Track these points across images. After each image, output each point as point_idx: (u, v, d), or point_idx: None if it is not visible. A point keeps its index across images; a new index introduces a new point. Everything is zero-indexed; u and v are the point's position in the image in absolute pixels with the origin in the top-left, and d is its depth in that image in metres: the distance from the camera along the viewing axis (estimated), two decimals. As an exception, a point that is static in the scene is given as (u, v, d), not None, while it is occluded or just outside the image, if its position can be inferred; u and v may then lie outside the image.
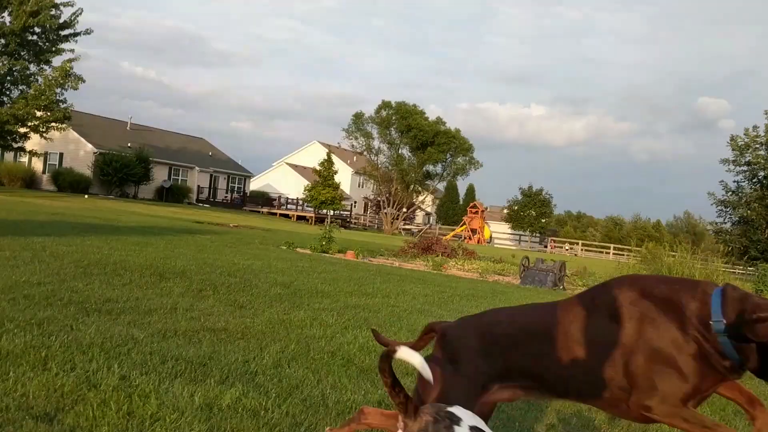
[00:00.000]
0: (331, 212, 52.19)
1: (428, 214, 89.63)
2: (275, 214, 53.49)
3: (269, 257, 12.13)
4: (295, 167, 69.59)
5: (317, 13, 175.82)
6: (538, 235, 58.95)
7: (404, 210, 55.03)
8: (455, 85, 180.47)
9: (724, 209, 29.16)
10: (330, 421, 3.05)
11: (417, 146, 50.80)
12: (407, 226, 61.22)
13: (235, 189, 58.72)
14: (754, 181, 28.19)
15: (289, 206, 56.75)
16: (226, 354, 4.10)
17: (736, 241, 28.04)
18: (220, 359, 3.94)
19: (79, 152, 45.46)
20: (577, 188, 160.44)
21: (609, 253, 53.73)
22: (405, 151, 52.63)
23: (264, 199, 57.34)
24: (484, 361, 2.13)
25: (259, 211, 53.15)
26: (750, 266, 21.23)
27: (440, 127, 51.40)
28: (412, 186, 54.48)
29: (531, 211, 55.65)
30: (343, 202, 53.33)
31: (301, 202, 53.13)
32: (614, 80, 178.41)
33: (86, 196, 37.99)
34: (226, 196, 56.81)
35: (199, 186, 54.10)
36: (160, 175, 49.11)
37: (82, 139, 45.66)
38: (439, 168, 54.79)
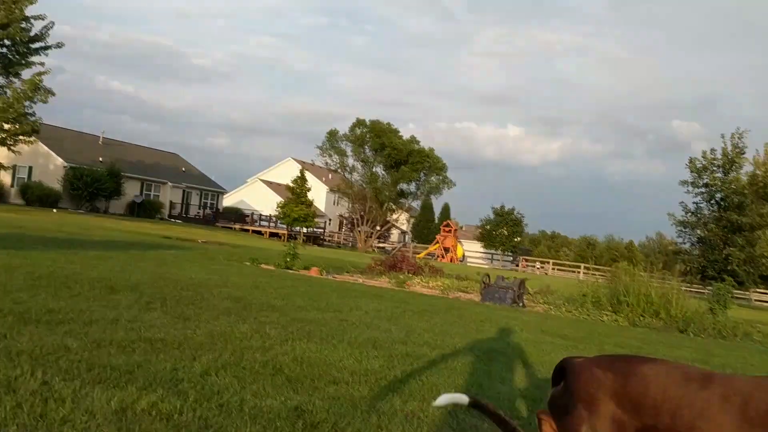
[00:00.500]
0: (305, 229, 52.17)
1: (404, 232, 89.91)
2: (248, 230, 53.31)
3: (229, 273, 12.20)
4: (269, 184, 69.50)
5: (297, 30, 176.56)
6: (510, 254, 59.41)
7: (378, 228, 55.18)
8: (434, 104, 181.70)
9: (684, 230, 29.89)
10: (241, 424, 3.18)
11: (391, 164, 51.12)
12: (381, 244, 61.37)
13: (208, 205, 58.49)
14: (711, 202, 28.99)
15: (262, 223, 56.61)
16: (157, 363, 4.20)
17: (694, 261, 28.71)
18: (149, 367, 4.04)
19: (49, 166, 45.04)
20: (552, 208, 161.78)
21: (579, 272, 54.32)
22: (379, 170, 52.98)
23: (237, 216, 57.15)
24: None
25: (231, 228, 52.95)
26: (708, 285, 21.67)
27: (414, 146, 51.82)
28: (386, 204, 54.73)
29: (503, 230, 56.12)
30: (316, 220, 53.36)
31: (274, 219, 53.06)
32: (589, 102, 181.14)
33: (55, 210, 37.61)
34: (198, 212, 56.53)
35: (171, 201, 53.79)
36: (131, 190, 48.78)
37: (52, 153, 45.26)
38: (413, 186, 55.19)
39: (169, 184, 53.22)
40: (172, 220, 50.81)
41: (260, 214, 58.68)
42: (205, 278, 10.27)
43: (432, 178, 53.75)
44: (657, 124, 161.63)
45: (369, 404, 3.92)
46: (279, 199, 54.75)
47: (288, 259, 16.45)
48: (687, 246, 30.18)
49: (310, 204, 49.40)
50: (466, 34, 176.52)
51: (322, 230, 59.63)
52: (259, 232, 52.81)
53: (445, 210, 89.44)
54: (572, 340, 8.93)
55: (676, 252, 30.97)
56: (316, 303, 8.91)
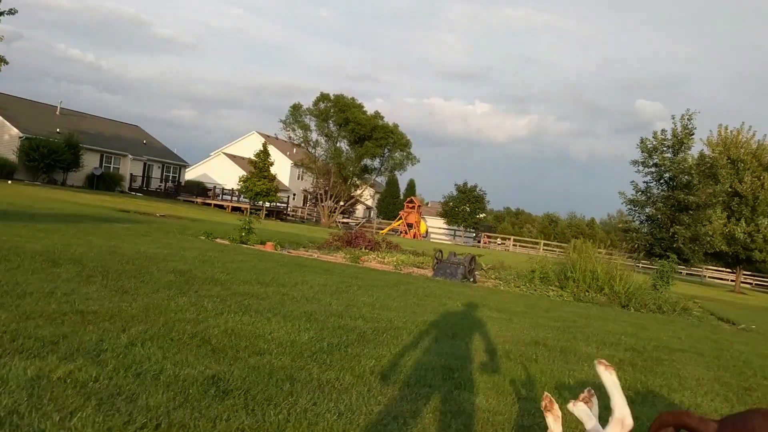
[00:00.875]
0: (268, 204, 52.00)
1: (369, 208, 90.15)
2: (210, 204, 52.95)
3: (180, 246, 12.25)
4: (232, 158, 68.93)
5: (263, 1, 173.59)
6: (472, 230, 60.09)
7: (342, 203, 55.27)
8: (402, 79, 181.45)
9: (633, 208, 30.72)
10: (153, 391, 3.36)
11: (355, 140, 51.08)
12: (345, 220, 61.49)
13: (170, 178, 57.83)
14: (660, 182, 29.81)
15: (224, 197, 56.24)
16: (84, 334, 4.34)
17: (642, 239, 29.59)
18: (75, 338, 4.18)
19: (3, 136, 43.98)
20: (517, 185, 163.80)
21: (539, 248, 55.31)
22: (343, 145, 52.90)
23: (199, 189, 56.68)
24: None
25: (193, 201, 52.53)
26: (655, 262, 22.38)
27: (378, 121, 51.80)
28: (350, 179, 54.77)
29: (465, 207, 56.67)
30: (279, 194, 53.19)
31: (236, 193, 52.74)
32: (556, 80, 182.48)
33: (9, 182, 36.86)
34: (160, 186, 55.89)
35: (132, 174, 53.05)
36: (90, 162, 47.95)
37: (7, 123, 44.19)
38: (377, 162, 55.24)
39: (130, 156, 52.44)
40: (133, 193, 50.18)
41: (223, 188, 58.26)
42: (154, 252, 10.33)
43: (396, 154, 53.90)
44: (621, 103, 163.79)
45: (287, 373, 4.13)
46: (242, 173, 54.41)
47: (243, 234, 16.53)
48: (636, 224, 31.05)
49: (272, 178, 49.21)
50: (436, 9, 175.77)
51: (285, 205, 59.47)
52: (221, 207, 52.49)
53: (411, 186, 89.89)
54: (509, 313, 9.26)
55: (625, 230, 31.82)
56: (262, 277, 9.06)
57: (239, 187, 49.80)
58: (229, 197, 55.66)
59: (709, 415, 4.69)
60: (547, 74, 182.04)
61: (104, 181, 48.08)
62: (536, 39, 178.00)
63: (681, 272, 58.70)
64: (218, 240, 16.22)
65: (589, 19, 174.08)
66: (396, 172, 59.98)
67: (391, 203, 78.14)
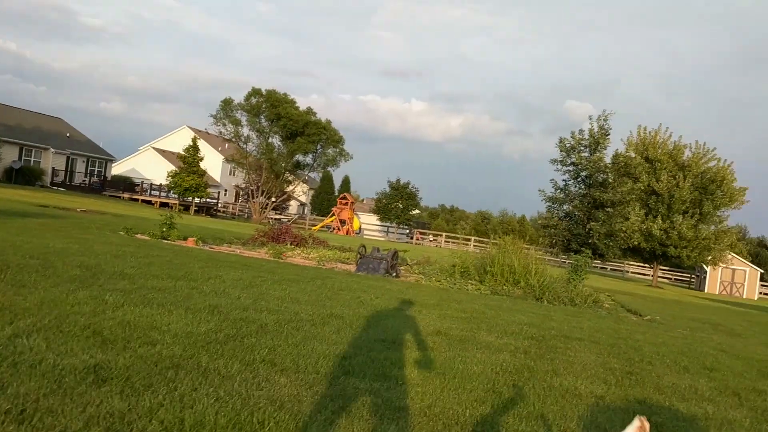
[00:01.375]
0: (197, 200, 51.13)
1: (303, 204, 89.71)
2: (137, 200, 51.66)
3: (94, 242, 12.02)
4: (162, 152, 67.37)
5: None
6: (405, 227, 60.69)
7: (274, 199, 54.84)
8: (339, 76, 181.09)
9: (552, 205, 31.82)
10: (26, 379, 3.38)
11: (287, 135, 50.74)
12: (278, 216, 61.04)
13: (95, 173, 56.08)
14: (578, 180, 31.02)
15: (152, 192, 54.96)
16: (-34, 326, 4.30)
17: (560, 235, 30.72)
18: (-45, 331, 4.14)
19: None
20: (453, 183, 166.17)
21: (470, 244, 56.32)
22: (275, 140, 52.45)
23: (126, 185, 55.21)
24: None
25: (119, 197, 51.14)
26: (571, 258, 23.22)
27: (311, 117, 51.62)
28: (283, 175, 54.39)
29: (398, 204, 57.19)
30: (209, 190, 52.36)
31: (165, 188, 51.62)
32: (491, 81, 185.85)
33: None
34: (84, 180, 54.13)
35: (54, 168, 51.19)
36: (9, 155, 46.01)
37: None
38: (309, 158, 55.05)
39: (52, 149, 50.58)
40: (54, 188, 48.45)
41: (151, 184, 56.92)
42: (64, 247, 10.12)
43: (329, 150, 53.84)
44: (552, 104, 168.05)
45: (173, 362, 4.20)
46: (172, 168, 53.29)
47: (164, 230, 16.29)
48: (555, 220, 32.12)
49: (202, 174, 48.40)
50: (373, 7, 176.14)
51: (215, 201, 58.60)
52: (149, 202, 51.29)
53: (346, 182, 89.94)
54: (420, 306, 9.51)
55: (544, 226, 32.85)
56: (174, 272, 9.02)
57: (168, 183, 48.77)
58: (157, 193, 54.42)
59: (585, 395, 5.03)
60: (482, 74, 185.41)
61: (23, 175, 46.26)
62: (472, 39, 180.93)
63: (606, 268, 61.10)
64: (138, 236, 15.93)
65: (523, 22, 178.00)
66: (329, 168, 59.98)
67: (326, 199, 78.05)
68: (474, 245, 55.00)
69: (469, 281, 16.04)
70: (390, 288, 11.90)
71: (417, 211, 76.34)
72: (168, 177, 48.23)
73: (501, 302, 12.54)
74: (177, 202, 49.70)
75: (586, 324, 10.60)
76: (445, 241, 60.77)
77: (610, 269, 60.95)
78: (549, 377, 5.63)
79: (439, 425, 3.79)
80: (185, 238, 16.60)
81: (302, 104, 57.60)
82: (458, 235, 67.10)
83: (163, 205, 49.82)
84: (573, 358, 6.87)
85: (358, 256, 16.37)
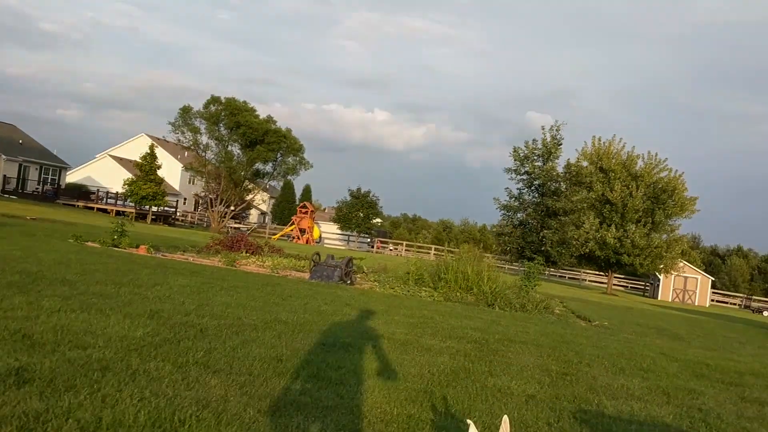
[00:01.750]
0: (155, 208, 50.42)
1: (263, 212, 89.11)
2: (92, 208, 50.68)
3: (40, 249, 11.81)
4: (119, 160, 66.32)
5: (157, 0, 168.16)
6: (365, 235, 60.74)
7: (233, 208, 54.39)
8: (302, 84, 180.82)
9: (507, 213, 32.32)
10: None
11: (246, 144, 50.42)
12: (237, 225, 60.50)
13: (49, 181, 54.88)
14: (531, 188, 31.60)
15: (109, 201, 54.01)
16: None
17: (514, 242, 31.23)
18: None
19: None
20: (415, 192, 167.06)
21: (430, 253, 56.60)
22: (235, 148, 52.09)
23: (81, 193, 54.13)
24: None
25: (74, 205, 50.12)
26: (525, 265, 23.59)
27: (270, 125, 51.39)
28: (242, 184, 54.01)
29: (359, 213, 57.23)
30: (167, 198, 51.68)
31: (122, 196, 50.78)
32: (453, 91, 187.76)
33: None
34: (37, 188, 52.93)
35: (5, 176, 49.96)
36: (-43, 163, 44.79)
37: None
38: (269, 167, 54.76)
39: (3, 157, 49.37)
40: (6, 195, 47.26)
41: (107, 192, 55.94)
42: (5, 254, 9.94)
43: (289, 158, 53.64)
44: (513, 115, 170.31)
45: (103, 364, 4.19)
46: (130, 176, 52.48)
47: (115, 237, 16.06)
48: (509, 228, 32.63)
49: (160, 182, 47.75)
50: (336, 16, 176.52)
51: (173, 209, 57.84)
52: (104, 210, 50.37)
53: (307, 191, 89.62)
54: (369, 311, 9.57)
55: (499, 234, 33.32)
56: (119, 279, 8.93)
57: (124, 191, 48.00)
58: (113, 201, 53.48)
59: (517, 394, 5.16)
60: (444, 85, 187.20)
61: (-27, 183, 45.04)
62: (435, 50, 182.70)
63: (564, 276, 62.03)
64: (89, 243, 15.68)
65: (485, 34, 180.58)
66: (289, 177, 59.74)
67: (287, 208, 77.64)
68: (434, 254, 55.30)
69: (423, 288, 16.16)
70: (341, 295, 11.94)
71: (378, 220, 76.46)
72: (125, 185, 47.47)
73: (452, 308, 12.68)
74: (134, 210, 48.92)
75: (532, 329, 10.80)
76: (406, 250, 60.97)
77: (569, 277, 61.92)
78: (484, 378, 5.75)
79: (364, 422, 3.86)
80: (137, 246, 16.38)
81: (266, 113, 57.51)
82: (420, 244, 67.41)
83: (119, 213, 48.96)
84: (512, 360, 7.02)
85: (312, 263, 16.37)
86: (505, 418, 2.53)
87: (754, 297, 59.52)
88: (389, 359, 5.94)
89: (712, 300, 54.01)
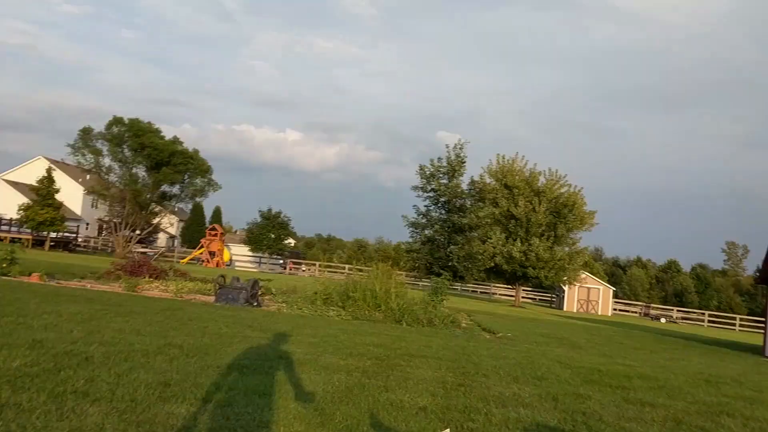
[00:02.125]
0: (54, 234, 48.01)
1: (172, 236, 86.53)
2: (-16, 236, 47.65)
3: None
4: (15, 184, 62.82)
5: (56, 17, 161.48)
6: (278, 257, 60.02)
7: (139, 232, 52.51)
8: (211, 105, 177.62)
9: (415, 230, 32.94)
10: None
11: (152, 165, 48.89)
12: (144, 249, 58.42)
13: (-66, 208, 51.29)
14: (438, 205, 32.36)
15: (2, 228, 50.99)
16: None
17: (422, 259, 31.82)
18: None
19: None
20: (329, 212, 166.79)
21: (344, 273, 56.55)
22: (140, 171, 50.41)
23: (-30, 220, 50.80)
24: None
25: (-37, 233, 47.00)
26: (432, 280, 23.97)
27: (177, 146, 50.07)
28: (148, 207, 52.29)
29: (270, 234, 56.53)
30: (66, 224, 49.35)
31: (18, 223, 48.08)
32: (365, 111, 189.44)
33: None
34: None
35: None
36: None
37: None
38: (177, 189, 53.29)
39: None
40: None
41: (1, 218, 52.82)
42: None
43: (197, 180, 52.40)
44: (424, 134, 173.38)
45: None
46: (26, 200, 49.81)
47: (4, 265, 15.20)
48: (418, 245, 33.22)
49: (58, 206, 45.56)
50: (245, 36, 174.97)
51: (74, 234, 55.27)
52: (-2, 238, 47.47)
53: (217, 213, 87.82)
54: (272, 332, 9.48)
55: (408, 251, 33.85)
56: (2, 309, 8.46)
57: (20, 217, 45.48)
58: (7, 228, 50.55)
59: (408, 407, 5.23)
60: (355, 105, 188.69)
61: None
62: (345, 71, 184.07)
63: (476, 291, 63.38)
64: (-26, 273, 14.76)
65: (394, 55, 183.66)
66: (198, 199, 58.28)
67: (197, 231, 75.76)
68: (347, 273, 55.29)
69: (332, 308, 16.14)
70: (245, 317, 11.75)
71: (291, 241, 75.76)
72: (20, 210, 44.99)
73: (359, 326, 12.71)
74: (30, 237, 46.40)
75: (436, 343, 10.98)
76: (319, 270, 60.65)
77: (480, 292, 63.31)
78: (378, 393, 5.80)
79: (247, 443, 3.82)
80: (29, 274, 15.57)
81: (174, 134, 55.91)
82: (333, 264, 67.21)
83: (14, 240, 46.29)
84: (410, 374, 7.11)
85: (217, 286, 16.04)
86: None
87: (652, 305, 62.72)
88: (284, 379, 5.90)
89: (614, 309, 56.52)
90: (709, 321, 55.24)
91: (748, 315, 60.08)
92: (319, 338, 9.53)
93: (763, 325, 20.68)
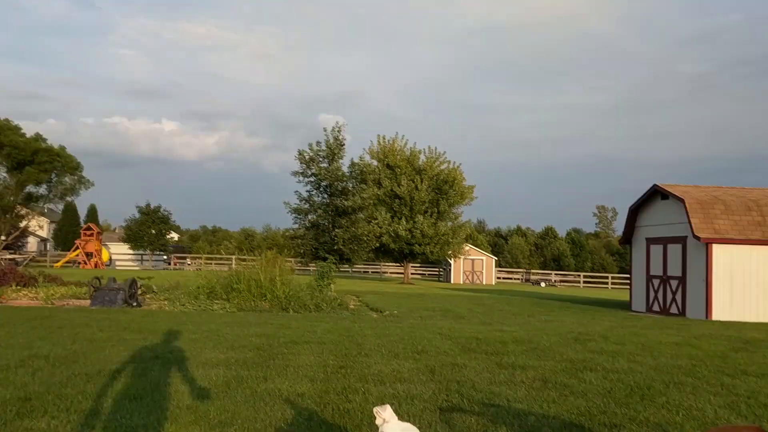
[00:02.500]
0: None
1: (44, 239, 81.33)
2: None
3: None
4: None
5: None
6: (160, 252, 57.91)
7: (3, 238, 48.98)
8: (78, 97, 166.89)
9: (298, 216, 32.84)
10: None
11: (13, 166, 45.63)
12: (11, 256, 54.58)
13: None
14: (320, 189, 32.39)
15: None
16: None
17: (308, 244, 31.82)
18: None
19: None
20: (213, 203, 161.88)
21: (231, 264, 55.45)
22: (0, 172, 46.91)
23: None
24: None
25: None
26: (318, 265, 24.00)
27: (40, 144, 46.90)
28: (13, 210, 48.79)
29: (151, 230, 54.38)
30: None
31: None
32: (243, 97, 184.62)
33: None
34: None
35: None
36: None
37: None
38: (43, 189, 50.04)
39: None
40: None
41: None
42: None
43: (65, 178, 49.44)
44: (306, 118, 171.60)
45: None
46: None
47: None
48: (302, 231, 33.11)
49: None
50: (109, 24, 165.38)
51: (-70, 246, 50.69)
52: None
53: (92, 212, 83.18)
54: (149, 333, 9.19)
55: (292, 237, 33.71)
56: None
57: None
58: None
59: (286, 395, 5.25)
60: (233, 91, 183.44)
61: None
62: (219, 56, 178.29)
63: (368, 271, 64.10)
64: None
65: (270, 38, 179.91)
66: (68, 198, 55.13)
67: (71, 232, 71.48)
68: (235, 264, 54.27)
69: (216, 301, 15.81)
70: (121, 319, 11.31)
71: (174, 236, 73.31)
72: None
73: (243, 318, 12.55)
74: None
75: (321, 327, 11.04)
76: (206, 263, 59.12)
77: (371, 272, 64.13)
78: (257, 384, 5.78)
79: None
80: None
81: (37, 130, 52.31)
82: (220, 256, 65.74)
83: None
84: (291, 361, 7.13)
85: (92, 289, 15.30)
86: (387, 407, 2.63)
87: (532, 270, 66.05)
88: (158, 380, 5.75)
89: (498, 277, 59.01)
90: (585, 281, 58.91)
91: (618, 273, 64.50)
92: (200, 334, 9.34)
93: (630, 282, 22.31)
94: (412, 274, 53.94)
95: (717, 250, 17.89)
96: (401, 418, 3.30)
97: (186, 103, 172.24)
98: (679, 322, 15.97)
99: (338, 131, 32.47)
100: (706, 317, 17.59)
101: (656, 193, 20.45)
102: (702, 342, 10.96)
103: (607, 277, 58.91)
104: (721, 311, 17.63)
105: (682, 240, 18.90)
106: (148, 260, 56.90)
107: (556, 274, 63.21)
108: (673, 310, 19.14)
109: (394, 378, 6.31)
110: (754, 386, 6.57)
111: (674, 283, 19.26)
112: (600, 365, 7.62)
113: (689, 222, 18.19)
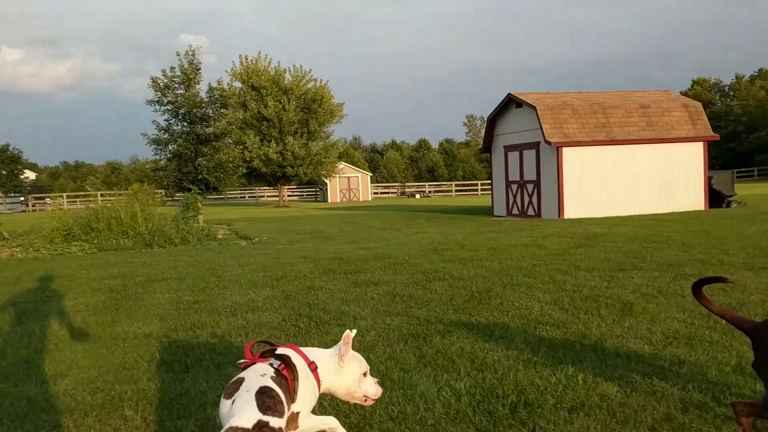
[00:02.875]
0: None
1: None
2: None
3: None
4: None
5: None
6: (16, 194, 54.03)
7: None
8: None
9: (158, 147, 31.59)
10: None
11: None
12: None
13: None
14: (179, 118, 31.15)
15: None
16: None
17: (170, 176, 30.86)
18: None
19: None
20: (74, 136, 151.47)
21: (97, 200, 52.73)
22: None
23: None
24: None
25: None
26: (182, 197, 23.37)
27: None
28: None
29: (1, 170, 50.43)
30: None
31: None
32: (93, 18, 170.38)
33: None
34: None
35: None
36: None
37: None
38: None
39: None
40: None
41: None
42: None
43: None
44: (166, 40, 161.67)
45: None
46: None
47: None
48: (163, 162, 31.95)
49: None
50: None
51: None
52: None
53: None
54: (-9, 286, 8.70)
55: (154, 170, 32.49)
56: None
57: None
58: None
59: (132, 337, 5.20)
60: (82, 11, 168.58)
61: None
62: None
63: (244, 196, 63.09)
64: None
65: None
66: None
67: None
68: (101, 200, 51.66)
69: (74, 243, 15.12)
70: (-36, 273, 10.58)
71: (31, 175, 68.52)
72: None
73: (103, 258, 12.12)
74: None
75: (183, 261, 10.89)
76: (70, 202, 55.90)
77: (248, 197, 63.26)
78: (103, 329, 5.68)
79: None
80: None
81: None
82: (85, 193, 62.24)
83: None
84: (144, 301, 7.03)
85: (-70, 243, 14.12)
86: (348, 332, 2.64)
87: (407, 184, 67.63)
88: (-6, 337, 5.51)
89: (375, 193, 60.06)
90: (457, 190, 61.21)
91: (487, 180, 67.49)
92: (49, 281, 8.95)
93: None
94: (289, 196, 53.73)
95: (567, 153, 19.07)
96: (241, 350, 3.38)
97: (28, 27, 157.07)
98: (533, 223, 17.09)
99: (193, 55, 30.93)
100: (559, 216, 18.93)
101: (511, 102, 21.30)
102: (548, 241, 11.82)
103: (477, 185, 61.46)
104: (571, 210, 19.00)
105: (535, 146, 19.96)
106: (1, 204, 53.00)
107: (430, 185, 65.10)
108: (530, 212, 20.42)
109: (247, 308, 6.40)
110: (582, 280, 7.22)
111: (530, 187, 20.46)
112: (449, 274, 8.07)
113: (541, 128, 19.18)
